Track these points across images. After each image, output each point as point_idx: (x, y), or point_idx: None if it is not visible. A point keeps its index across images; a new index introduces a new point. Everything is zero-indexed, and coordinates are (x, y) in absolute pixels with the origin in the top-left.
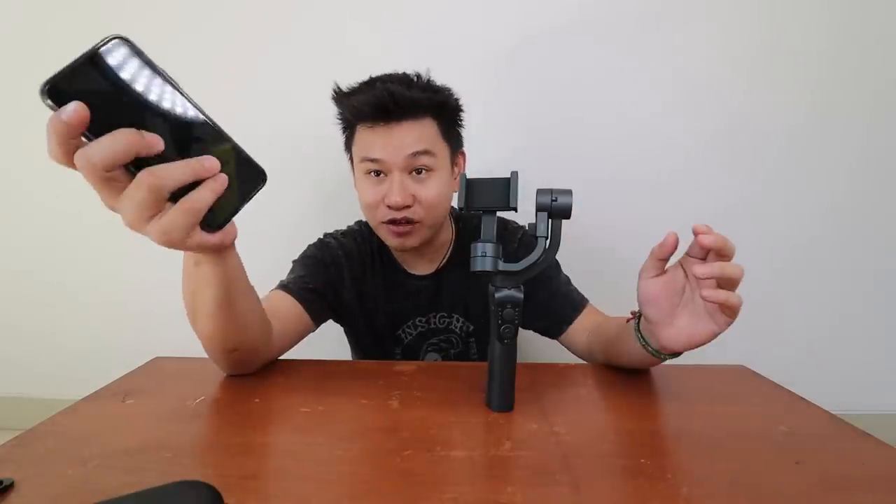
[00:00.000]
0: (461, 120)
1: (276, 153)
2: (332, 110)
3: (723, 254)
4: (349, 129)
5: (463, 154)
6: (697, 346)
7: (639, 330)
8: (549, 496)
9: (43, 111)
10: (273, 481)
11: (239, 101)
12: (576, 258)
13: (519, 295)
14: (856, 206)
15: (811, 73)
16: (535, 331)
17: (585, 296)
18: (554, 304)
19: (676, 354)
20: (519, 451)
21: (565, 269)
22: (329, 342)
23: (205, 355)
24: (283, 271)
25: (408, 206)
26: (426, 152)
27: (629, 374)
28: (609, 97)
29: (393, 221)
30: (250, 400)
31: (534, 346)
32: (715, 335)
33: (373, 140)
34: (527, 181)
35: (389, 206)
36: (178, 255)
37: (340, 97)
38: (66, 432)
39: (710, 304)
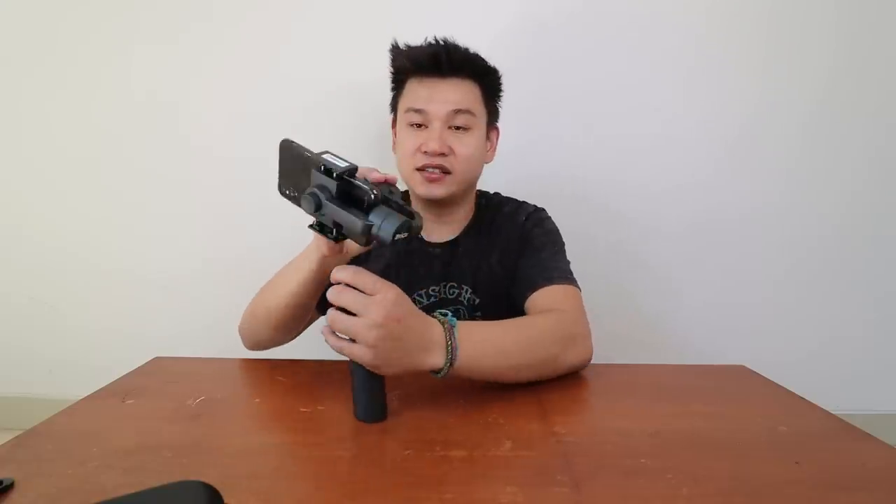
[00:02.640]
0: (500, 94)
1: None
2: (343, 100)
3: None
4: (399, 85)
5: (497, 129)
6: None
7: None
8: (549, 496)
9: (41, 113)
10: (272, 481)
11: (248, 92)
12: (580, 259)
13: None
14: (857, 208)
15: (822, 74)
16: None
17: (581, 291)
18: (528, 270)
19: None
20: (519, 451)
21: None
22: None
23: (205, 355)
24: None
25: (443, 155)
26: (467, 111)
27: (629, 374)
28: (617, 98)
29: (427, 168)
30: (250, 400)
31: None
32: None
33: (421, 92)
34: (530, 179)
35: (426, 152)
36: (178, 257)
37: (398, 50)
38: (66, 432)
39: None
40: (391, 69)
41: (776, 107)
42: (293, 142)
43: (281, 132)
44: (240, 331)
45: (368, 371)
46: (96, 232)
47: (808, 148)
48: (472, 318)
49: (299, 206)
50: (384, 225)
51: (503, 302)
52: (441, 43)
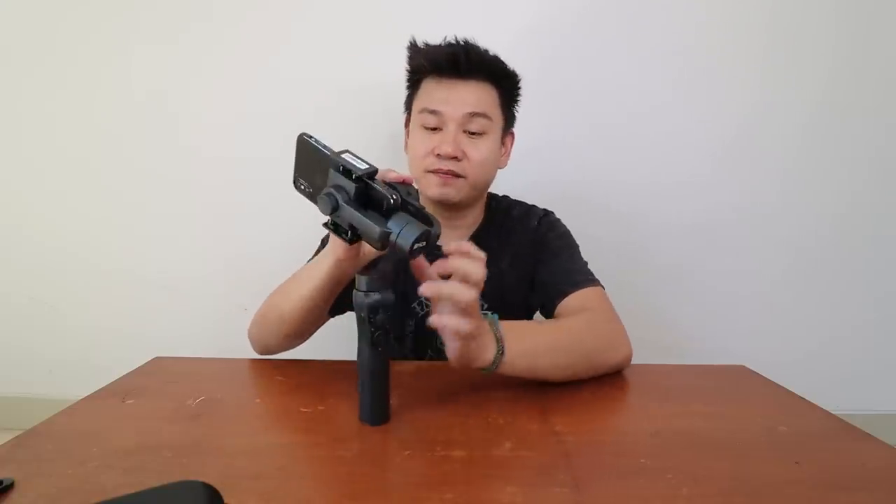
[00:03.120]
0: (518, 99)
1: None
2: (344, 100)
3: (462, 278)
4: (414, 84)
5: (512, 135)
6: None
7: None
8: (549, 496)
9: (41, 113)
10: (273, 481)
11: (250, 92)
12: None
13: (390, 296)
14: (857, 208)
15: (822, 74)
16: (539, 310)
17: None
18: (552, 277)
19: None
20: (519, 451)
21: None
22: (329, 342)
23: (205, 355)
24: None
25: (456, 159)
26: (483, 115)
27: (629, 374)
28: (617, 98)
29: (439, 172)
30: (250, 400)
31: None
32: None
33: (437, 93)
34: (535, 181)
35: (439, 155)
36: (178, 257)
37: (416, 48)
38: (66, 432)
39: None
40: (407, 68)
41: (775, 107)
42: (311, 137)
43: (281, 132)
44: (249, 335)
45: (377, 374)
46: (96, 232)
47: (806, 147)
48: None
49: (314, 202)
50: (404, 233)
51: (512, 308)
52: (460, 43)
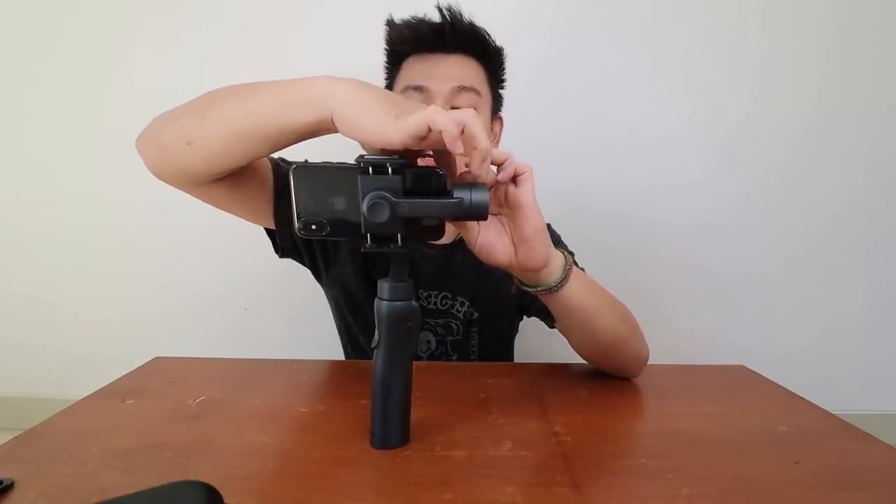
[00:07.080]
0: (504, 79)
1: None
2: None
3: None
4: (395, 63)
5: (501, 120)
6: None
7: (522, 285)
8: (549, 496)
9: (40, 112)
10: (273, 481)
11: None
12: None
13: (416, 305)
14: (857, 207)
15: (818, 77)
16: (538, 317)
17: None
18: None
19: (531, 270)
20: (519, 451)
21: None
22: (329, 342)
23: (205, 355)
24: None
25: None
26: (472, 89)
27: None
28: (614, 101)
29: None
30: (250, 400)
31: (534, 347)
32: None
33: (422, 69)
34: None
35: None
36: (179, 257)
37: (396, 24)
38: (66, 432)
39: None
40: (387, 46)
41: (773, 109)
42: (308, 163)
43: None
44: (141, 147)
45: (405, 388)
46: (97, 232)
47: (803, 149)
48: (467, 333)
49: (336, 236)
50: (475, 196)
51: (503, 319)
52: (445, 13)
